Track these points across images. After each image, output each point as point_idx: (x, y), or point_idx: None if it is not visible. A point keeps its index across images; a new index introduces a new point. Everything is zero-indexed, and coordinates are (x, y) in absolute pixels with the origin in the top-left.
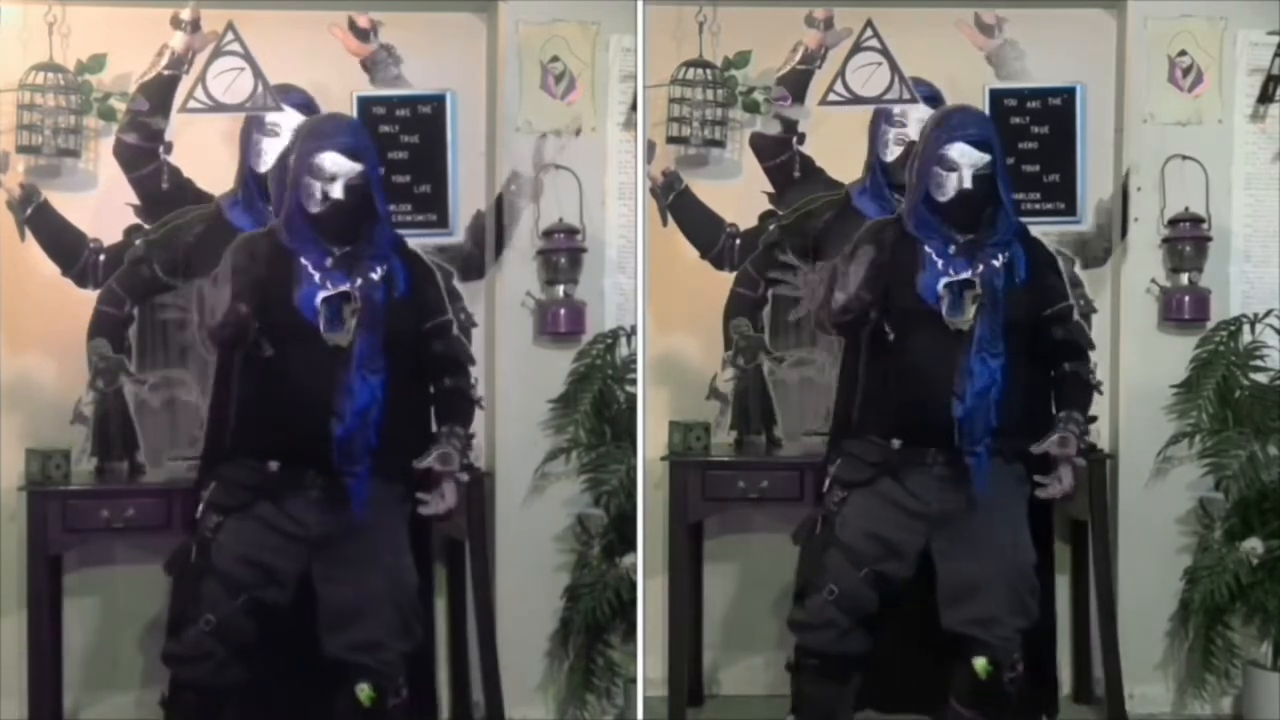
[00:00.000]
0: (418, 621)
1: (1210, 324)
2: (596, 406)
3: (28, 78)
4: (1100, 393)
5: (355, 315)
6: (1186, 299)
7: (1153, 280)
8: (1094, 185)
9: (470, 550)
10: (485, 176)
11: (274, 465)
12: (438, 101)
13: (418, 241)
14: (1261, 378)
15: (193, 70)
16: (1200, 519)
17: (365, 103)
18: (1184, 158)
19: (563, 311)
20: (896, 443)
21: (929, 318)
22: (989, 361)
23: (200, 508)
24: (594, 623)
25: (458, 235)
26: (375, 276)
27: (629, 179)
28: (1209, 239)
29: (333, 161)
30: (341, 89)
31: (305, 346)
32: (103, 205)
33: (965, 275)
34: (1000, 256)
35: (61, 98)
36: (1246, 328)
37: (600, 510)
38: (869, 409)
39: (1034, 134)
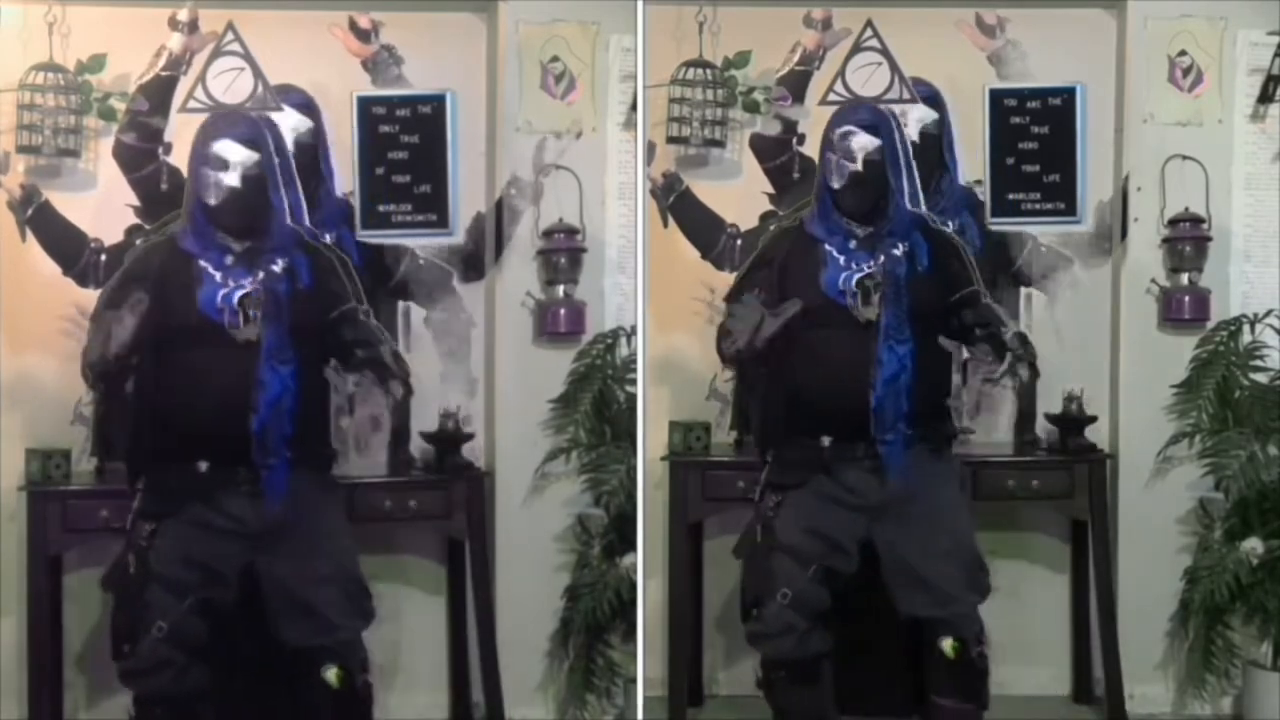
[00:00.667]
0: (367, 599)
1: (1210, 324)
2: (596, 406)
3: (28, 78)
4: (1015, 355)
5: (259, 309)
6: (1186, 299)
7: (1153, 280)
8: (1094, 185)
9: (470, 550)
10: (485, 177)
11: (203, 466)
12: (438, 102)
13: (418, 242)
14: (1261, 378)
15: (192, 70)
16: (1200, 519)
17: (365, 103)
18: (1184, 158)
19: (563, 311)
20: (826, 440)
21: (837, 313)
22: (896, 349)
23: (130, 519)
24: (594, 623)
25: (458, 235)
26: (276, 269)
27: (629, 179)
28: (1209, 239)
29: (228, 149)
30: (341, 89)
31: (214, 345)
32: (103, 205)
33: (868, 269)
34: (900, 246)
35: (61, 98)
36: (1246, 328)
37: (600, 510)
38: (792, 410)
39: (1034, 134)
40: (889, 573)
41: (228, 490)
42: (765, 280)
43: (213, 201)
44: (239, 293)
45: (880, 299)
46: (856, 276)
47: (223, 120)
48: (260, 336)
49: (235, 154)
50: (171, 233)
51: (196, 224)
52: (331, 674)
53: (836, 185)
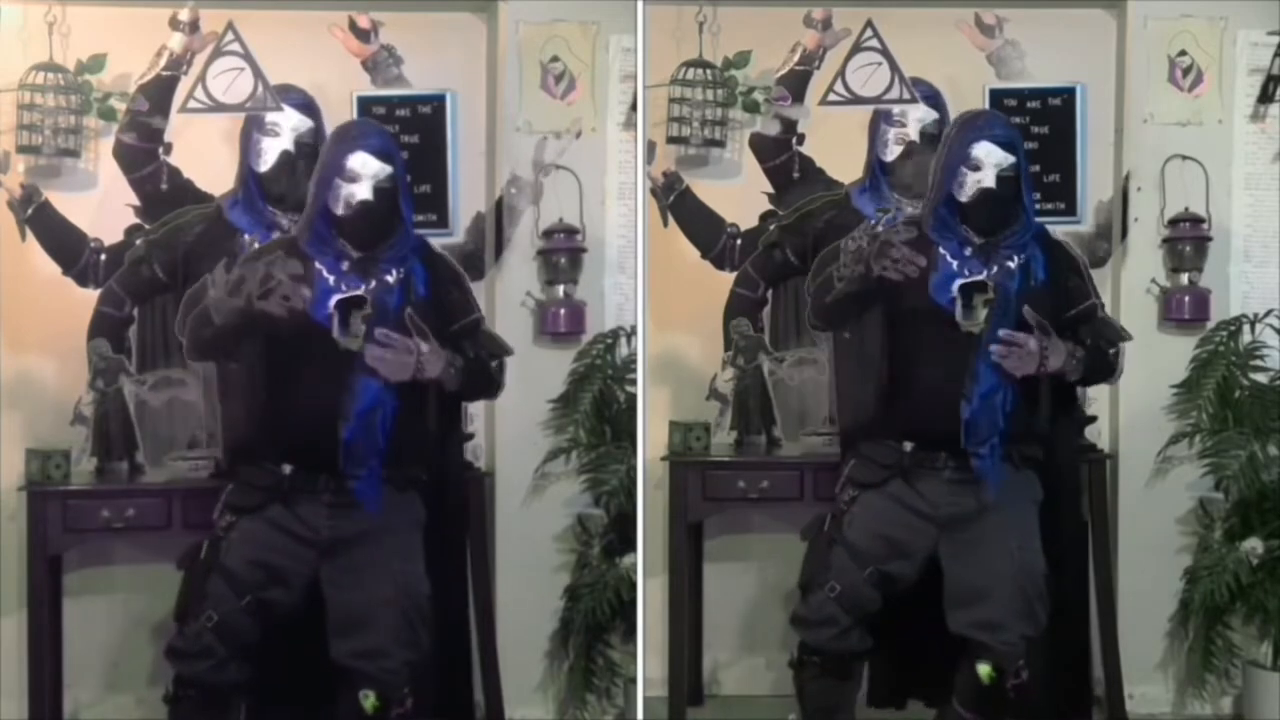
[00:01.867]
0: (425, 630)
1: (1210, 324)
2: (596, 406)
3: (28, 78)
4: (1112, 376)
5: (366, 319)
6: (1186, 299)
7: (1153, 280)
8: (1094, 185)
9: (470, 550)
10: (485, 176)
11: (287, 468)
12: (438, 102)
13: None
14: (1261, 378)
15: (192, 70)
16: (1200, 519)
17: (365, 103)
18: (1184, 158)
19: (563, 311)
20: (909, 445)
21: (941, 319)
22: (995, 363)
23: (218, 507)
24: (594, 623)
25: (458, 235)
26: (390, 279)
27: (629, 179)
28: (1209, 239)
29: (362, 163)
30: (341, 89)
31: (319, 350)
32: (103, 205)
33: (979, 277)
34: (1016, 258)
35: (61, 98)
36: (1246, 328)
37: (600, 510)
38: (882, 410)
39: (1034, 134)
40: (949, 588)
41: (306, 496)
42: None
43: (341, 212)
44: (348, 300)
45: (988, 312)
46: (966, 285)
47: (357, 130)
48: (363, 347)
49: (370, 168)
50: (292, 235)
51: (317, 230)
52: (370, 701)
53: (965, 199)
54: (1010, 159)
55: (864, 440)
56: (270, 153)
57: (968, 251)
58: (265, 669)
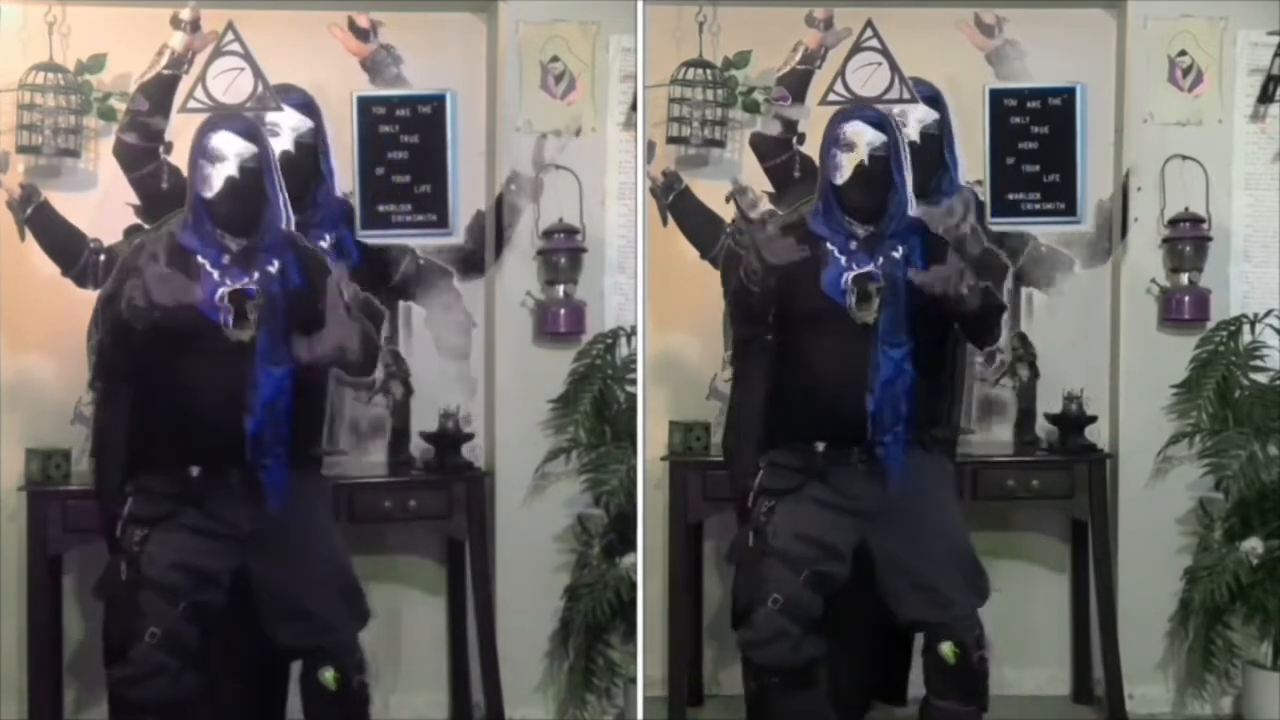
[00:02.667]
0: (362, 599)
1: (1210, 324)
2: (596, 406)
3: (28, 78)
4: (1004, 308)
5: (257, 311)
6: (1186, 299)
7: (1153, 280)
8: (1094, 185)
9: (470, 550)
10: (485, 176)
11: (194, 470)
12: (438, 101)
13: (418, 242)
14: (1261, 378)
15: (193, 70)
16: (1200, 519)
17: (365, 103)
18: (1184, 158)
19: (563, 311)
20: (820, 445)
21: (835, 315)
22: (892, 352)
23: (121, 524)
24: (594, 623)
25: (458, 235)
26: (272, 270)
27: (629, 179)
28: (1209, 239)
29: (225, 141)
30: (341, 89)
31: (208, 345)
32: (103, 205)
33: (869, 268)
34: (899, 248)
35: (61, 98)
36: (1246, 328)
37: (600, 510)
38: (787, 414)
39: (1034, 134)
40: (886, 577)
41: (221, 494)
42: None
43: (209, 194)
44: (238, 292)
45: (880, 302)
46: (853, 276)
47: (220, 115)
48: (254, 338)
49: (232, 146)
50: (170, 229)
51: (196, 218)
52: (328, 675)
53: (839, 180)
54: (882, 137)
55: (771, 447)
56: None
57: (853, 245)
58: (212, 673)
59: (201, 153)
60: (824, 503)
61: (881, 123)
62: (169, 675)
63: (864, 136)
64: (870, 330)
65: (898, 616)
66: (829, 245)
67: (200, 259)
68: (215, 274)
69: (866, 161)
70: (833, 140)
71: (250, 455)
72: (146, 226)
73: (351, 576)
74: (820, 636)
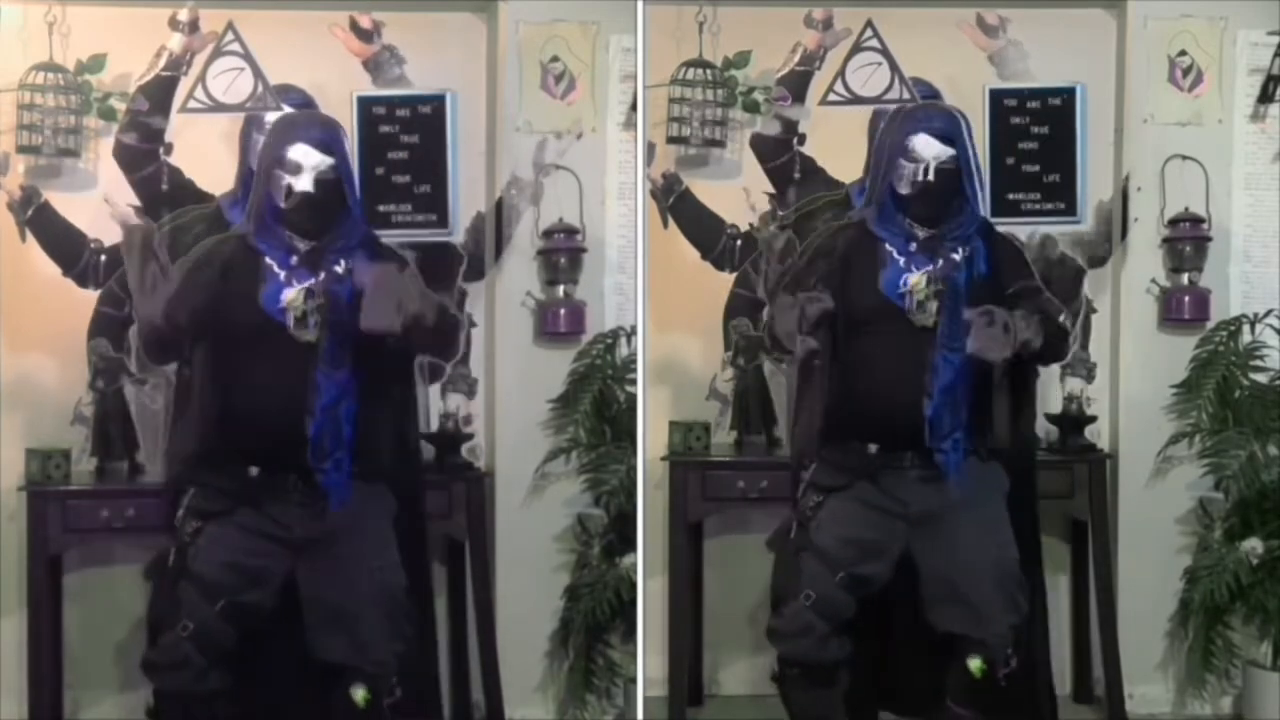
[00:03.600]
0: (407, 621)
1: (1210, 324)
2: (596, 406)
3: (28, 78)
4: (1065, 345)
5: (319, 311)
6: (1186, 299)
7: (1153, 280)
8: (1094, 185)
9: (470, 550)
10: (485, 177)
11: (254, 470)
12: (438, 102)
13: (418, 242)
14: (1261, 378)
15: (192, 70)
16: (1200, 519)
17: (365, 103)
18: (1184, 158)
19: (563, 311)
20: (873, 447)
21: (894, 316)
22: (950, 357)
23: (180, 513)
24: (594, 623)
25: (458, 235)
26: (339, 270)
27: (629, 179)
28: (1209, 239)
29: (303, 154)
30: (342, 89)
31: (274, 346)
32: (103, 205)
33: (926, 271)
34: (960, 251)
35: (62, 98)
36: (1246, 328)
37: (600, 510)
38: (842, 412)
39: (1034, 134)
40: (926, 585)
41: (278, 496)
42: (826, 272)
43: (284, 205)
44: (292, 289)
45: (939, 305)
46: (912, 278)
47: (298, 121)
48: (320, 339)
49: (310, 159)
50: (241, 230)
51: (265, 223)
52: (359, 695)
53: (905, 191)
54: (949, 151)
55: (824, 444)
56: None
57: (912, 247)
58: (243, 673)
59: (278, 163)
60: (871, 505)
61: (949, 134)
62: (194, 670)
63: (931, 149)
64: (929, 333)
65: (933, 626)
66: (888, 246)
67: (268, 260)
68: (282, 274)
69: (933, 177)
70: (899, 149)
71: (311, 458)
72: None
73: (399, 596)
74: (847, 638)
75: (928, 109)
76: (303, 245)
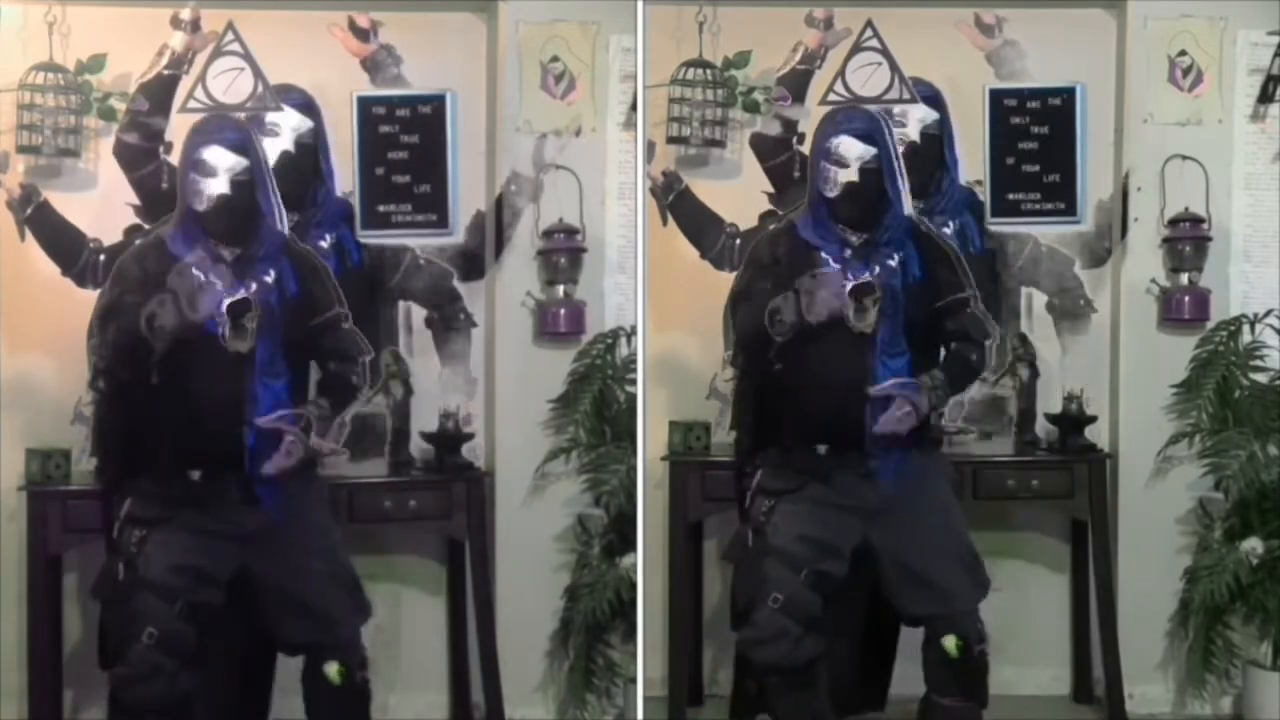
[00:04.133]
0: (361, 593)
1: (1210, 324)
2: (596, 406)
3: (28, 78)
4: (984, 378)
5: (254, 321)
6: (1186, 299)
7: (1153, 280)
8: (1094, 185)
9: (470, 550)
10: (485, 176)
11: (196, 475)
12: (438, 101)
13: (418, 242)
14: (1261, 378)
15: (193, 70)
16: (1200, 519)
17: (365, 103)
18: (1184, 158)
19: (563, 311)
20: (822, 448)
21: (836, 322)
22: (889, 364)
23: (117, 526)
24: (594, 623)
25: (458, 235)
26: (269, 280)
27: (629, 179)
28: (1209, 239)
29: (216, 155)
30: (341, 89)
31: (209, 355)
32: (103, 205)
33: (865, 278)
34: (895, 256)
35: (61, 98)
36: (1246, 328)
37: (600, 510)
38: (788, 416)
39: (1034, 134)
40: (889, 574)
41: (221, 497)
42: (774, 278)
43: (201, 208)
44: (228, 300)
45: (878, 311)
46: (850, 287)
47: (211, 126)
48: (253, 350)
49: (223, 161)
50: (161, 236)
51: (187, 229)
52: (333, 670)
53: (830, 194)
54: (871, 150)
55: (772, 447)
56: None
57: (848, 254)
58: (211, 672)
59: (192, 165)
60: (824, 503)
61: (871, 134)
62: (166, 675)
63: (854, 151)
64: (868, 339)
65: (901, 612)
66: (823, 254)
67: (196, 270)
68: (217, 284)
69: (857, 178)
70: (821, 153)
71: (250, 466)
72: (147, 226)
73: (351, 571)
74: (820, 635)
75: (848, 111)
76: (228, 254)
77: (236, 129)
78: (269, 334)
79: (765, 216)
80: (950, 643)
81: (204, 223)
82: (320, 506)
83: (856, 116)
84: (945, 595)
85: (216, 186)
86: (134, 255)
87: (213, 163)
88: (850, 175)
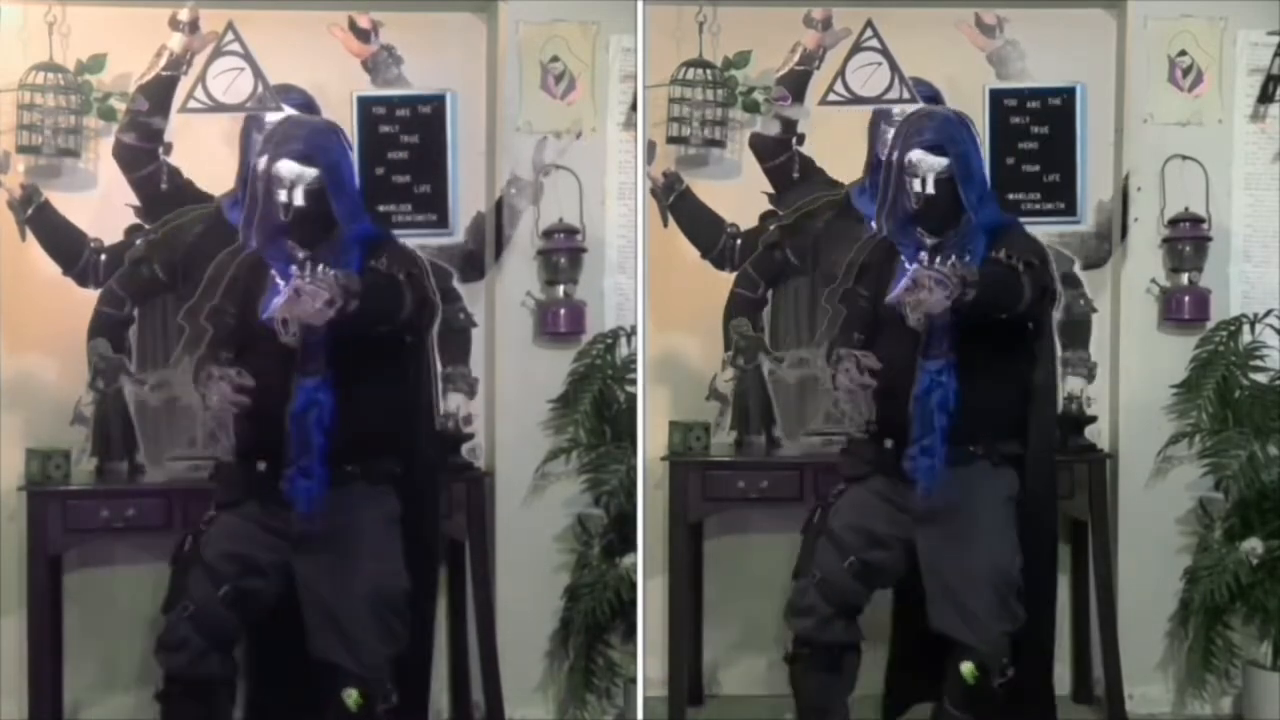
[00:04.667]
0: (402, 626)
1: (1210, 324)
2: (596, 406)
3: (28, 78)
4: (1020, 299)
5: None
6: (1186, 299)
7: (1153, 280)
8: (1094, 185)
9: (470, 550)
10: (485, 177)
11: (262, 465)
12: (438, 102)
13: (417, 241)
14: (1261, 378)
15: (192, 70)
16: (1200, 519)
17: (365, 103)
18: (1184, 158)
19: (563, 311)
20: (889, 442)
21: (903, 320)
22: (927, 364)
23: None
24: (594, 623)
25: (458, 235)
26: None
27: (629, 179)
28: (1209, 239)
29: (288, 169)
30: (342, 89)
31: (269, 349)
32: (103, 205)
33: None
34: (967, 255)
35: (62, 98)
36: (1246, 328)
37: (600, 510)
38: (874, 408)
39: (1034, 134)
40: (926, 584)
41: (278, 490)
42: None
43: (283, 219)
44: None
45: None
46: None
47: (280, 136)
48: (299, 344)
49: (292, 172)
50: (248, 243)
51: (267, 235)
52: (352, 699)
53: (912, 206)
54: (942, 162)
55: (858, 435)
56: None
57: (922, 255)
58: (244, 663)
59: (267, 178)
60: (884, 497)
61: (941, 144)
62: (192, 652)
63: (925, 163)
64: (918, 337)
65: (930, 624)
66: (902, 256)
67: (273, 271)
68: (281, 284)
69: (933, 190)
70: (900, 166)
71: (291, 459)
72: (147, 226)
73: (396, 601)
74: (855, 625)
75: (917, 122)
76: (301, 253)
77: (305, 138)
78: (310, 332)
79: (765, 216)
80: (967, 669)
81: (284, 231)
82: (380, 524)
83: (927, 128)
84: (971, 623)
85: (294, 197)
86: (226, 258)
87: (283, 175)
88: (926, 187)
